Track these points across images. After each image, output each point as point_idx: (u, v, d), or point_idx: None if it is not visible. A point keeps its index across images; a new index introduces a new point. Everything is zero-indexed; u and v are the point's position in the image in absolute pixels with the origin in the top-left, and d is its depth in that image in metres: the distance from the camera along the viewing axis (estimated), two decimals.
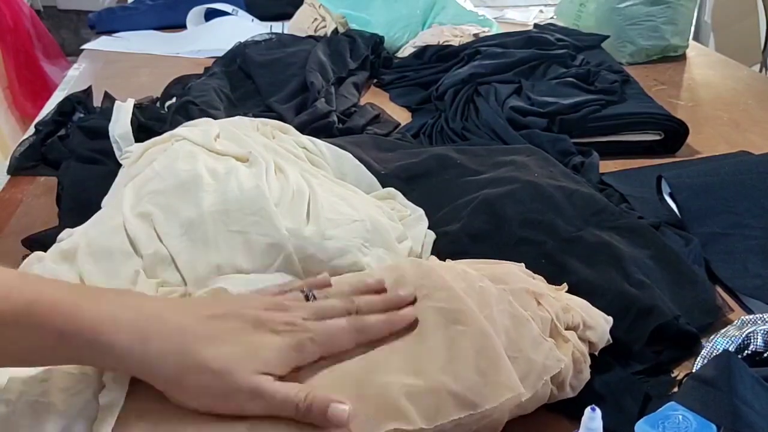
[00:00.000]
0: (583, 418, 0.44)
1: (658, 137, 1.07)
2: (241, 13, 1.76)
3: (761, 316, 0.63)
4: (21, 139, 1.06)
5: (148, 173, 0.74)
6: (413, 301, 0.56)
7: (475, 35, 1.47)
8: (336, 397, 0.48)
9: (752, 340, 0.60)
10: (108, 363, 0.48)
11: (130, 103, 1.00)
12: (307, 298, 0.55)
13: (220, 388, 0.46)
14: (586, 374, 0.58)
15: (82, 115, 1.09)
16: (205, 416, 0.47)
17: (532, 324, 0.56)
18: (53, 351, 0.47)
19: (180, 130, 0.82)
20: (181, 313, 0.50)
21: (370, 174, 0.85)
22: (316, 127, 1.06)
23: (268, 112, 1.13)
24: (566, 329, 0.58)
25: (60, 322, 0.46)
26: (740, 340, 0.60)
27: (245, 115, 1.01)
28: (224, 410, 0.47)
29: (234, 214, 0.67)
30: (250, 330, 0.49)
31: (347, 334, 0.52)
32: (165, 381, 0.47)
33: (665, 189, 0.90)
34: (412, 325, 0.55)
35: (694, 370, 0.59)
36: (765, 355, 0.60)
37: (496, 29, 1.55)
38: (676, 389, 0.60)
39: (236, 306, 0.52)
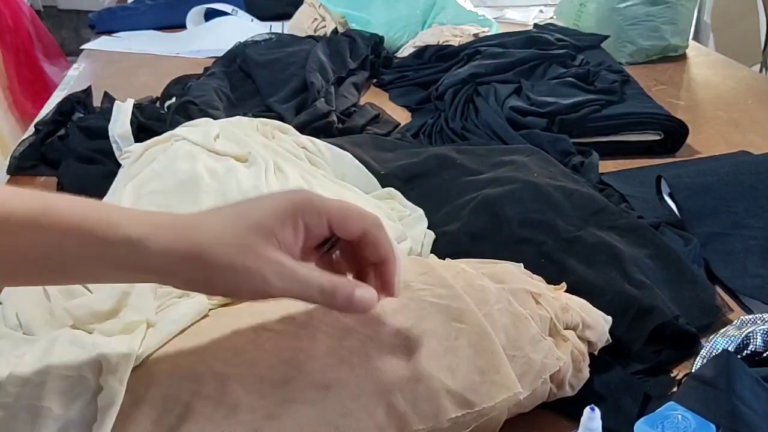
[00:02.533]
0: (583, 418, 0.44)
1: (657, 137, 1.07)
2: (241, 13, 1.76)
3: (761, 316, 0.63)
4: (21, 139, 1.06)
5: (148, 173, 0.74)
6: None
7: (475, 35, 1.47)
8: (361, 284, 0.48)
9: (751, 340, 0.60)
10: (123, 258, 0.46)
11: (130, 103, 1.00)
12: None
13: (242, 264, 0.46)
14: (585, 373, 0.58)
15: (81, 115, 1.09)
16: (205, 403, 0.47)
17: (531, 323, 0.56)
18: (72, 251, 0.46)
19: (180, 130, 0.82)
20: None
21: (370, 174, 0.85)
22: (316, 127, 1.06)
23: (267, 112, 1.13)
24: (565, 329, 0.58)
25: (77, 219, 0.45)
26: (740, 340, 0.60)
27: (245, 115, 1.01)
28: (249, 289, 0.47)
29: None
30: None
31: None
32: (184, 271, 0.47)
33: (665, 189, 0.90)
34: (410, 321, 0.55)
35: (693, 370, 0.59)
36: (764, 355, 0.60)
37: (496, 29, 1.55)
38: (675, 389, 0.60)
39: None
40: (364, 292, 0.48)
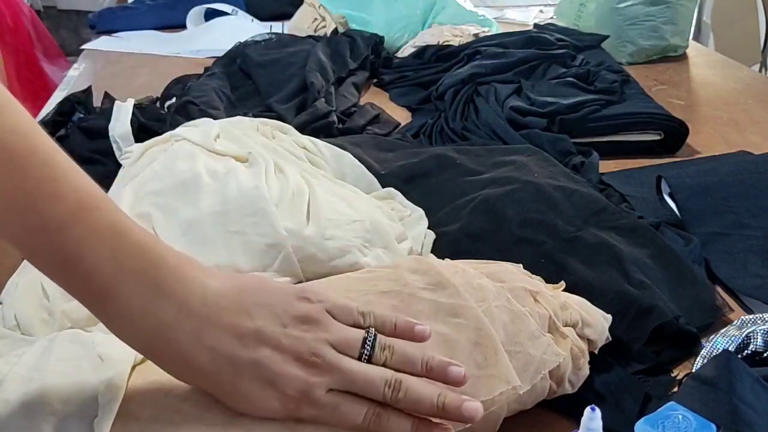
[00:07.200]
0: (583, 418, 0.44)
1: (658, 137, 1.07)
2: (241, 13, 1.76)
3: (761, 315, 0.63)
4: None
5: (148, 173, 0.74)
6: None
7: (475, 35, 1.47)
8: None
9: (752, 340, 0.60)
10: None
11: (130, 103, 1.00)
12: (364, 343, 0.48)
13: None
14: (585, 370, 0.58)
15: (82, 115, 1.09)
16: (201, 416, 0.47)
17: (530, 319, 0.56)
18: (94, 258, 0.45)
19: (180, 130, 0.82)
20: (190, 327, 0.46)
21: (370, 174, 0.85)
22: (316, 127, 1.06)
23: (268, 112, 1.13)
24: (564, 326, 0.58)
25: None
26: (740, 340, 0.60)
27: (245, 115, 1.01)
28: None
29: (233, 215, 0.67)
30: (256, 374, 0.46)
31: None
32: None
33: (665, 189, 0.90)
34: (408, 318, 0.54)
35: (693, 370, 0.59)
36: (765, 354, 0.60)
37: (496, 29, 1.55)
38: (676, 389, 0.60)
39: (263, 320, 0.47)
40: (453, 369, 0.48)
